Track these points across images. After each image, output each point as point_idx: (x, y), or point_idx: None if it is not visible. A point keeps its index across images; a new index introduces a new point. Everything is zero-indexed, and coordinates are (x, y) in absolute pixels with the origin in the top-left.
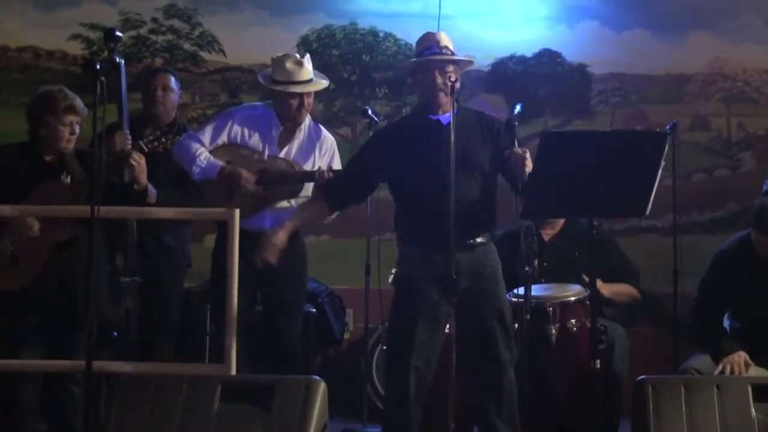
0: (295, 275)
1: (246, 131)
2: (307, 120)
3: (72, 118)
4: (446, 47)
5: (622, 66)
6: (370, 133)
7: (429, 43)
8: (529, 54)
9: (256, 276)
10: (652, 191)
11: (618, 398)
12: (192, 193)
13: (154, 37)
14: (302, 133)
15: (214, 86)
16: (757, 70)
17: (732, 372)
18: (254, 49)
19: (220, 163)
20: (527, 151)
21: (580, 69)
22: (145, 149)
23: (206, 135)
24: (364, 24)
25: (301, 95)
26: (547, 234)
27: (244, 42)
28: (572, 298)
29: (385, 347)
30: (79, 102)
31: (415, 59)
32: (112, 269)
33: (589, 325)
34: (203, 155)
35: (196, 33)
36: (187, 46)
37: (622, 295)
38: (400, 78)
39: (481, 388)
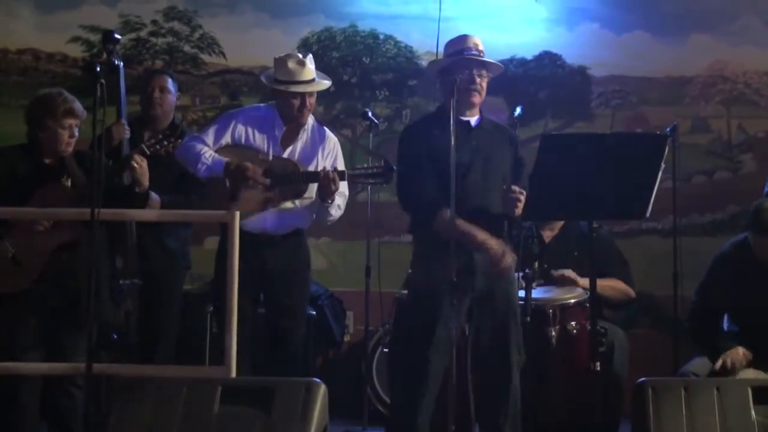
0: (297, 278)
1: (249, 132)
2: (311, 121)
3: (71, 121)
4: (482, 51)
5: (623, 68)
6: (371, 135)
7: (467, 44)
8: (529, 56)
9: (258, 278)
10: (652, 193)
11: (618, 400)
12: (194, 195)
13: (154, 40)
14: (306, 133)
15: (214, 89)
16: (758, 72)
17: (733, 366)
18: (254, 52)
19: (226, 159)
20: (523, 192)
21: (581, 71)
22: (147, 152)
23: (210, 136)
24: (364, 26)
25: (302, 95)
26: (547, 236)
27: (245, 44)
28: (572, 301)
29: (386, 350)
30: (78, 105)
31: (453, 57)
32: (112, 271)
33: (589, 327)
34: (207, 153)
35: (196, 35)
36: (187, 48)
37: (614, 290)
38: (400, 80)
39: (489, 388)
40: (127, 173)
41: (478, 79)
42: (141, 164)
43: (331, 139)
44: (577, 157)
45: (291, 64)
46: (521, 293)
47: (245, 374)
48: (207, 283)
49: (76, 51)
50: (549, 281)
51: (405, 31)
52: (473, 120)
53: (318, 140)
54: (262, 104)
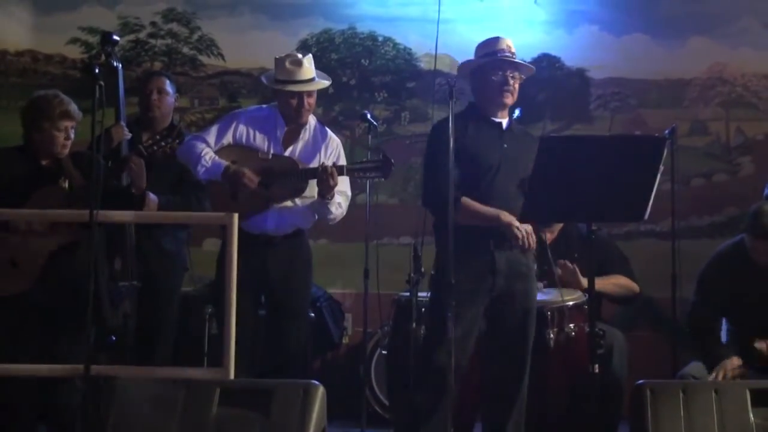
0: (299, 280)
1: (251, 131)
2: (313, 121)
3: (67, 123)
4: (515, 54)
5: (621, 71)
6: (370, 137)
7: (500, 46)
8: (528, 58)
9: (259, 280)
10: (650, 196)
11: (617, 402)
12: (193, 196)
13: (153, 41)
14: (308, 133)
15: (212, 90)
16: (756, 74)
17: (724, 377)
18: (253, 53)
19: (225, 162)
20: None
21: (579, 74)
22: (144, 153)
23: (211, 135)
24: (363, 28)
25: (300, 95)
26: (547, 237)
27: (243, 46)
28: (570, 303)
29: (384, 352)
30: (73, 107)
31: (486, 58)
32: (110, 273)
33: (588, 329)
34: (208, 155)
35: (195, 37)
36: (186, 50)
37: (618, 286)
38: (399, 82)
39: (499, 388)
40: (125, 175)
41: (511, 80)
42: (138, 165)
43: (334, 139)
44: (576, 160)
45: (288, 64)
46: None
47: (244, 376)
48: (205, 284)
49: (75, 52)
50: (550, 283)
51: (404, 33)
52: (505, 122)
53: (320, 140)
54: (264, 105)
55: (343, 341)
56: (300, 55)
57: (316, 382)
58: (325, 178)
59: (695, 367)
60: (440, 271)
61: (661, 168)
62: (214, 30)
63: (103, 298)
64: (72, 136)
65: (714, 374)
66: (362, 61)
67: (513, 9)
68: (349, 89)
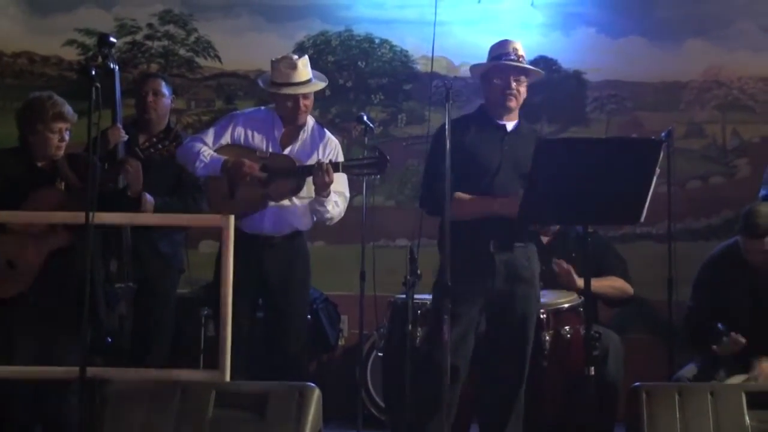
0: (297, 283)
1: (249, 132)
2: (311, 122)
3: (61, 125)
4: (522, 56)
5: (618, 73)
6: (366, 139)
7: (506, 49)
8: (525, 57)
9: (257, 282)
10: (647, 198)
11: (612, 405)
12: (189, 198)
13: (149, 43)
14: (306, 134)
15: (209, 92)
16: (752, 77)
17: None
18: (250, 55)
19: (224, 157)
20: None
21: (576, 76)
22: (141, 155)
23: (209, 136)
24: (359, 30)
25: (296, 97)
26: (544, 239)
27: (240, 48)
28: (566, 305)
29: (380, 354)
30: (68, 108)
31: (492, 62)
32: (106, 275)
33: (584, 331)
34: (206, 152)
35: (192, 39)
36: (182, 51)
37: (612, 288)
38: (395, 84)
39: (497, 389)
40: (121, 177)
41: (514, 84)
42: (135, 168)
43: (332, 139)
44: (572, 162)
45: (283, 67)
46: None
47: (241, 378)
48: (202, 286)
49: (72, 54)
50: (546, 284)
51: (400, 35)
52: (510, 125)
53: (318, 140)
54: (262, 107)
55: (339, 343)
56: (296, 57)
57: (312, 385)
58: (321, 174)
59: (692, 370)
60: (442, 271)
61: (658, 170)
62: (210, 32)
63: (99, 300)
64: (66, 137)
65: (748, 376)
66: (359, 63)
67: (510, 11)
68: (346, 91)
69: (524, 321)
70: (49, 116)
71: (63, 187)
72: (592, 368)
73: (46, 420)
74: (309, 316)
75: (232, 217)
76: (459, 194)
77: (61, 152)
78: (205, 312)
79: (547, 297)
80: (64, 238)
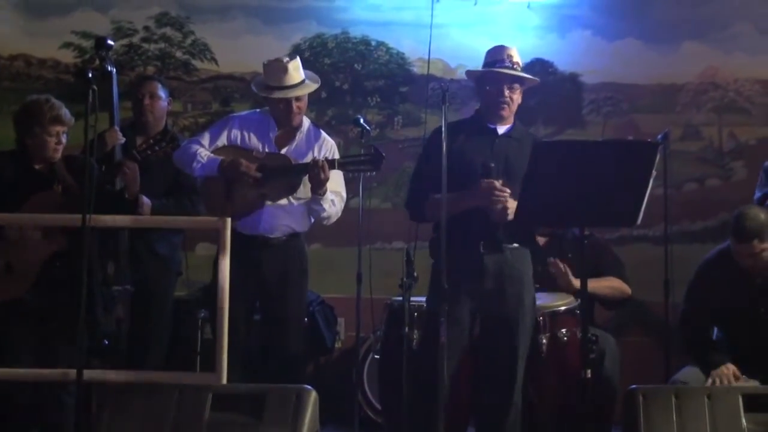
0: (294, 288)
1: (245, 134)
2: (307, 123)
3: (58, 128)
4: (517, 63)
5: (614, 75)
6: (362, 141)
7: (501, 56)
8: (521, 63)
9: (254, 284)
10: (643, 201)
11: (609, 407)
12: (186, 200)
13: (146, 46)
14: (301, 135)
15: (206, 95)
16: (749, 79)
17: (721, 384)
18: (246, 58)
19: (220, 157)
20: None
21: (572, 78)
22: (138, 157)
23: (206, 138)
24: (356, 33)
25: (287, 100)
26: (540, 240)
27: (236, 50)
28: (562, 308)
29: (377, 356)
30: (65, 112)
31: (485, 69)
32: (104, 278)
33: (580, 334)
34: (203, 153)
35: (188, 41)
36: (179, 54)
37: (609, 288)
38: (392, 87)
39: (492, 390)
40: (118, 179)
41: (507, 92)
42: (132, 170)
43: (328, 140)
44: (569, 165)
45: (273, 70)
46: None
47: (237, 381)
48: (198, 288)
49: (68, 57)
50: (543, 285)
51: (397, 37)
52: (502, 128)
53: (313, 140)
54: (258, 109)
55: (336, 346)
56: (286, 59)
57: (309, 387)
58: (317, 171)
59: (688, 373)
60: (434, 273)
61: (654, 173)
62: (207, 34)
63: (96, 303)
64: (64, 140)
65: (710, 380)
66: (355, 65)
67: (506, 14)
68: (342, 94)
69: (516, 322)
70: (46, 119)
71: (60, 190)
72: (589, 371)
73: (44, 422)
74: (306, 319)
75: (228, 220)
76: (433, 196)
77: (59, 155)
78: (202, 314)
79: (544, 300)
80: (61, 240)
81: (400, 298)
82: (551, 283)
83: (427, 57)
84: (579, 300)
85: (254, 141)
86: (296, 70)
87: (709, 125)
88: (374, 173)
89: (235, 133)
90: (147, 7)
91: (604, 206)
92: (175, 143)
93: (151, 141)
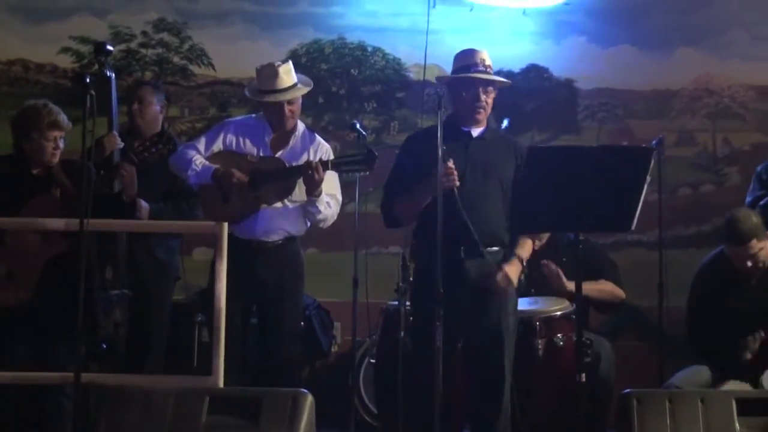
0: (290, 292)
1: (240, 139)
2: (302, 127)
3: (56, 133)
4: (489, 66)
5: (609, 81)
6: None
7: (474, 60)
8: (516, 69)
9: (250, 288)
10: (638, 206)
11: (604, 411)
12: (184, 203)
13: (144, 51)
14: (296, 139)
15: (203, 99)
16: (743, 86)
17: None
18: (243, 63)
19: (214, 166)
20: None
21: (567, 84)
22: (135, 160)
23: (201, 143)
24: (352, 38)
25: (279, 103)
26: (536, 245)
27: (234, 56)
28: (558, 313)
29: (372, 360)
30: (63, 117)
31: (459, 74)
32: (102, 282)
33: (575, 338)
34: (198, 160)
35: (186, 47)
36: (176, 59)
37: (602, 292)
38: (388, 92)
39: (481, 394)
40: (116, 182)
41: (483, 96)
42: (129, 172)
43: (323, 144)
44: (564, 170)
45: (265, 75)
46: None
47: (234, 384)
48: (195, 292)
49: (66, 62)
50: (537, 288)
51: (393, 43)
52: (476, 131)
53: (308, 143)
54: (253, 114)
55: (332, 350)
56: (278, 64)
57: (305, 391)
58: (311, 173)
59: (682, 377)
60: (418, 277)
61: (648, 178)
62: (204, 40)
63: (96, 306)
64: (61, 145)
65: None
66: (352, 71)
67: (502, 20)
68: (339, 99)
69: (499, 325)
70: (44, 124)
71: (58, 194)
72: (583, 375)
73: (42, 425)
74: (302, 323)
75: (225, 225)
76: (398, 198)
77: (56, 159)
78: (199, 318)
79: (540, 305)
80: (61, 245)
81: (396, 303)
82: (545, 285)
83: (423, 63)
84: (574, 305)
85: (249, 145)
86: (287, 74)
87: (704, 131)
88: (369, 174)
89: (231, 138)
90: (145, 13)
91: (599, 211)
92: (171, 144)
93: (148, 143)
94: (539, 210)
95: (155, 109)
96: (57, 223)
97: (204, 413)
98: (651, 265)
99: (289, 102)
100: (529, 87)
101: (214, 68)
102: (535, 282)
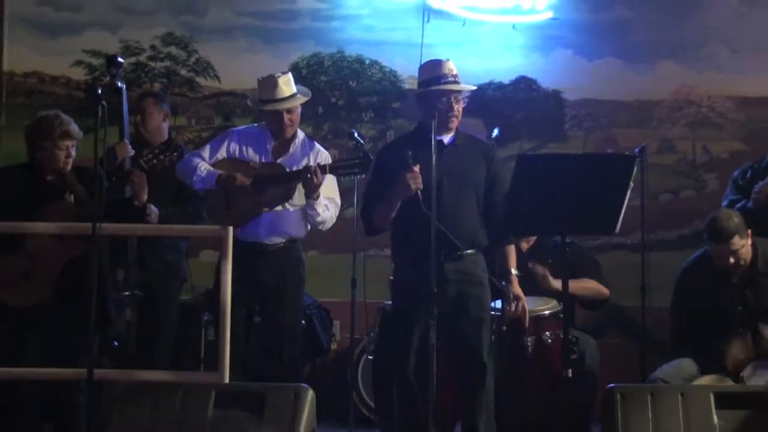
0: (291, 294)
1: (243, 147)
2: (301, 135)
3: (68, 142)
4: (456, 75)
5: (594, 92)
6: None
7: (443, 71)
8: (506, 81)
9: (252, 289)
10: (621, 210)
11: (589, 405)
12: (190, 206)
13: (152, 64)
14: (296, 146)
15: (209, 110)
16: (721, 96)
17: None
18: (247, 75)
19: (218, 171)
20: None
21: (555, 95)
22: (145, 167)
23: (206, 151)
24: (350, 52)
25: (279, 112)
26: (523, 246)
27: (238, 68)
28: (546, 312)
29: (370, 357)
30: (74, 126)
31: (431, 86)
32: (114, 283)
33: (562, 336)
34: (203, 167)
35: (193, 60)
36: (183, 72)
37: (587, 290)
38: (385, 103)
39: (466, 389)
40: (127, 188)
41: (455, 106)
42: (140, 178)
43: (322, 151)
44: (551, 176)
45: (265, 85)
46: (498, 303)
47: (239, 380)
48: (202, 293)
49: (79, 74)
50: (524, 288)
51: (389, 56)
52: (446, 138)
53: (308, 150)
54: (255, 124)
55: (332, 347)
56: (278, 75)
57: (306, 386)
58: (310, 176)
59: (666, 371)
60: (397, 279)
61: (632, 184)
62: (210, 53)
63: (110, 306)
64: (73, 153)
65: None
66: (350, 82)
67: (492, 34)
68: (338, 109)
69: (479, 322)
70: (56, 134)
71: (72, 200)
72: (570, 370)
73: (57, 418)
74: (303, 322)
75: (230, 229)
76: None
77: (69, 167)
78: (206, 317)
79: (530, 304)
80: (76, 248)
81: (392, 302)
82: (532, 284)
83: (417, 75)
84: (561, 304)
85: (251, 153)
86: (287, 84)
87: (684, 139)
88: (365, 179)
89: (234, 147)
90: (153, 28)
91: (585, 215)
92: (179, 152)
93: (156, 151)
94: (529, 214)
95: (157, 118)
96: (71, 228)
97: (210, 407)
98: (634, 266)
99: (288, 111)
100: (518, 98)
101: (219, 80)
102: (523, 282)
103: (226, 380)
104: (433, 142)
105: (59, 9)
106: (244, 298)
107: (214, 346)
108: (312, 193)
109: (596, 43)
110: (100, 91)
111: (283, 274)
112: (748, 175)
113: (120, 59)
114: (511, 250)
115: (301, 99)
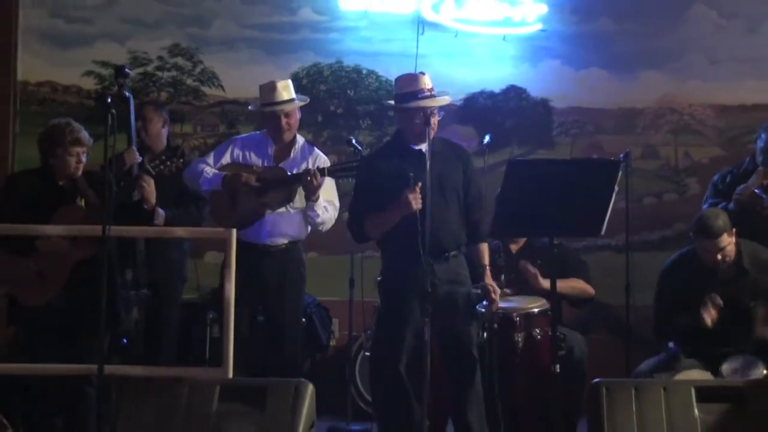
0: (292, 289)
1: (246, 153)
2: (301, 140)
3: (78, 149)
4: (432, 89)
5: (581, 101)
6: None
7: (419, 86)
8: (497, 90)
9: (256, 288)
10: (606, 213)
11: (577, 399)
12: (193, 206)
13: (160, 74)
14: (296, 151)
15: (213, 118)
16: (702, 104)
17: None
18: (250, 85)
19: (224, 172)
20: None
21: (543, 103)
22: (152, 172)
23: (211, 157)
24: (349, 62)
25: (277, 115)
26: (513, 248)
27: (241, 78)
28: (536, 310)
29: (368, 353)
30: (84, 134)
31: (408, 102)
32: (122, 283)
33: (551, 333)
34: (209, 171)
35: (198, 70)
36: (189, 81)
37: (574, 288)
38: (381, 111)
39: (457, 383)
40: (135, 192)
41: (432, 119)
42: (148, 182)
43: (321, 156)
44: (540, 181)
45: (265, 90)
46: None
47: (242, 375)
48: (207, 292)
49: (90, 84)
50: (514, 287)
51: (385, 66)
52: (424, 147)
53: (307, 154)
54: (257, 131)
55: (331, 344)
56: (278, 81)
57: (306, 381)
58: (309, 179)
59: (651, 364)
60: (385, 279)
61: (616, 188)
62: (215, 63)
63: (119, 305)
64: (84, 159)
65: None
66: (348, 91)
67: (483, 45)
68: (336, 117)
69: (468, 318)
70: (67, 141)
71: (83, 204)
72: (558, 366)
73: (68, 411)
74: (303, 320)
75: (234, 231)
76: (370, 217)
77: (79, 172)
78: (211, 316)
79: (520, 302)
80: (87, 250)
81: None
82: (522, 284)
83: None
84: (549, 302)
85: (254, 158)
86: (285, 89)
87: (666, 145)
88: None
89: (237, 153)
90: (160, 39)
91: (572, 218)
92: (185, 158)
93: (163, 157)
94: (518, 217)
95: (156, 125)
96: (82, 230)
97: (215, 401)
98: (619, 266)
99: (286, 114)
100: (508, 106)
101: (223, 89)
102: (513, 281)
103: (230, 375)
104: (428, 144)
105: (71, 21)
106: (247, 298)
107: (219, 343)
108: (312, 195)
109: (583, 53)
110: (109, 100)
111: (284, 273)
112: (728, 179)
113: (127, 70)
114: (485, 247)
115: (298, 102)
